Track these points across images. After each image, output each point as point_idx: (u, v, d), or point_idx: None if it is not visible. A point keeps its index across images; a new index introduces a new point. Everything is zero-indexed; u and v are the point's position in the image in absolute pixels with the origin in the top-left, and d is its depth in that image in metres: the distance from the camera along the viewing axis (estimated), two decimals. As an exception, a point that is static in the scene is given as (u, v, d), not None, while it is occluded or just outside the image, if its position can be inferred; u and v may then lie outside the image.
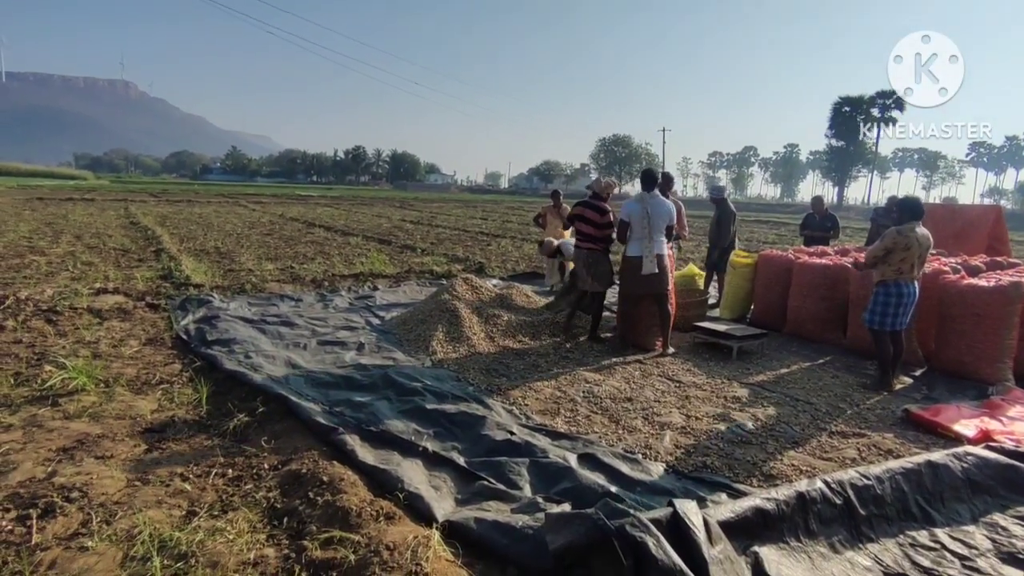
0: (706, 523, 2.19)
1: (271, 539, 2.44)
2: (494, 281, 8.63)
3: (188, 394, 4.02)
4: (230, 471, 2.99)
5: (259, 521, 2.57)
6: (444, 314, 5.84)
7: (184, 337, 5.31)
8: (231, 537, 2.38)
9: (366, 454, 3.19)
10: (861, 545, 2.59)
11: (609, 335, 5.88)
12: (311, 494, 2.71)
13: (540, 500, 2.80)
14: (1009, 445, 3.40)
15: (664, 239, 5.34)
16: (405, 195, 59.59)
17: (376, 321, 6.34)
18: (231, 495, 2.76)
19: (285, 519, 2.58)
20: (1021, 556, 2.57)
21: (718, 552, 2.12)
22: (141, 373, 4.38)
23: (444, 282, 7.96)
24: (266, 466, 3.05)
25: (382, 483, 2.91)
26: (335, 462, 3.04)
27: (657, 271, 5.27)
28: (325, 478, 2.82)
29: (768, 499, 2.52)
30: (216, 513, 2.59)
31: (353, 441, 3.30)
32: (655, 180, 5.37)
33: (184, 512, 2.59)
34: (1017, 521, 2.85)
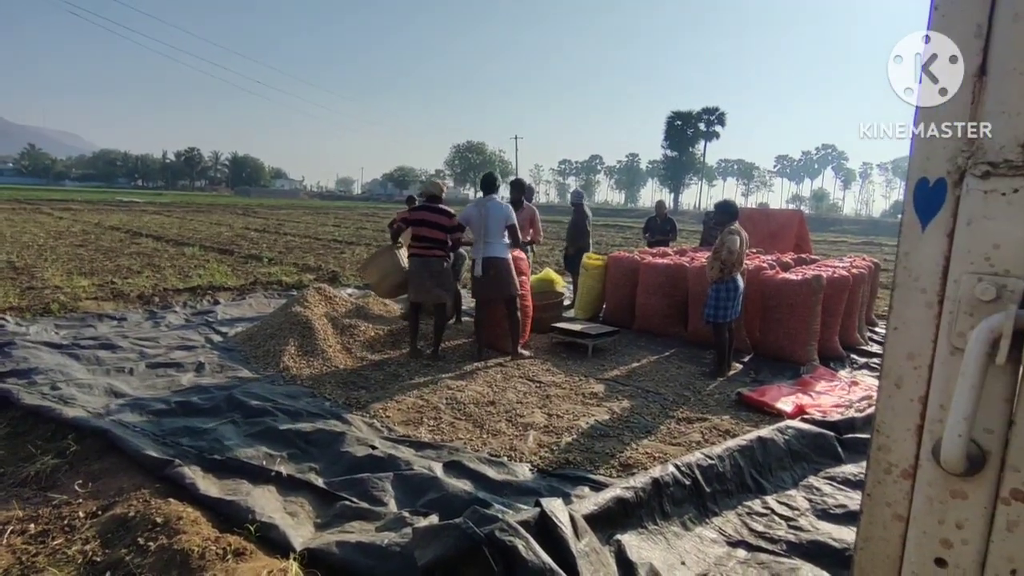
0: (572, 519, 2.24)
1: (89, 600, 2.08)
2: (350, 290, 8.29)
3: (-31, 439, 3.33)
4: (32, 526, 2.51)
5: (72, 581, 2.18)
6: (296, 327, 5.47)
7: (-38, 371, 4.41)
8: (34, 605, 2.00)
9: (209, 486, 2.87)
10: (708, 520, 2.81)
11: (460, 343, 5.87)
12: (141, 540, 2.36)
13: (407, 515, 2.70)
14: (818, 416, 3.93)
15: (502, 242, 5.26)
16: (248, 201, 55.27)
17: (218, 338, 5.77)
18: (33, 555, 2.31)
19: (108, 574, 2.21)
20: (831, 511, 2.96)
21: (584, 545, 2.17)
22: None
23: (295, 293, 7.48)
24: (82, 514, 2.61)
25: (229, 516, 2.63)
26: (171, 499, 2.69)
27: (482, 274, 5.18)
28: (159, 519, 2.48)
29: (627, 488, 2.65)
30: (13, 579, 2.16)
31: (193, 473, 2.95)
32: (495, 185, 5.39)
33: (-32, 583, 2.13)
34: (827, 481, 3.28)
